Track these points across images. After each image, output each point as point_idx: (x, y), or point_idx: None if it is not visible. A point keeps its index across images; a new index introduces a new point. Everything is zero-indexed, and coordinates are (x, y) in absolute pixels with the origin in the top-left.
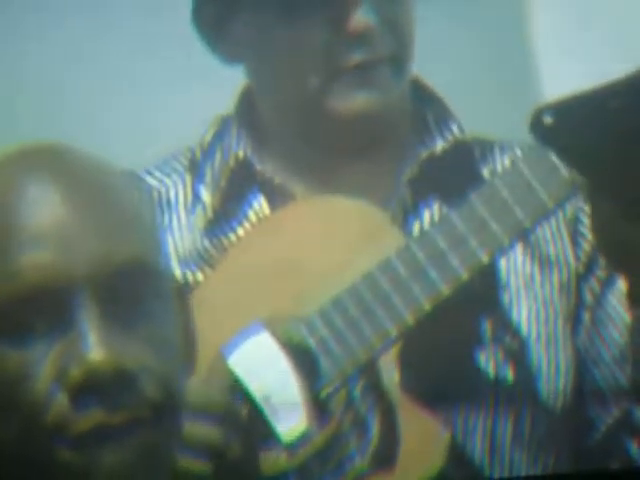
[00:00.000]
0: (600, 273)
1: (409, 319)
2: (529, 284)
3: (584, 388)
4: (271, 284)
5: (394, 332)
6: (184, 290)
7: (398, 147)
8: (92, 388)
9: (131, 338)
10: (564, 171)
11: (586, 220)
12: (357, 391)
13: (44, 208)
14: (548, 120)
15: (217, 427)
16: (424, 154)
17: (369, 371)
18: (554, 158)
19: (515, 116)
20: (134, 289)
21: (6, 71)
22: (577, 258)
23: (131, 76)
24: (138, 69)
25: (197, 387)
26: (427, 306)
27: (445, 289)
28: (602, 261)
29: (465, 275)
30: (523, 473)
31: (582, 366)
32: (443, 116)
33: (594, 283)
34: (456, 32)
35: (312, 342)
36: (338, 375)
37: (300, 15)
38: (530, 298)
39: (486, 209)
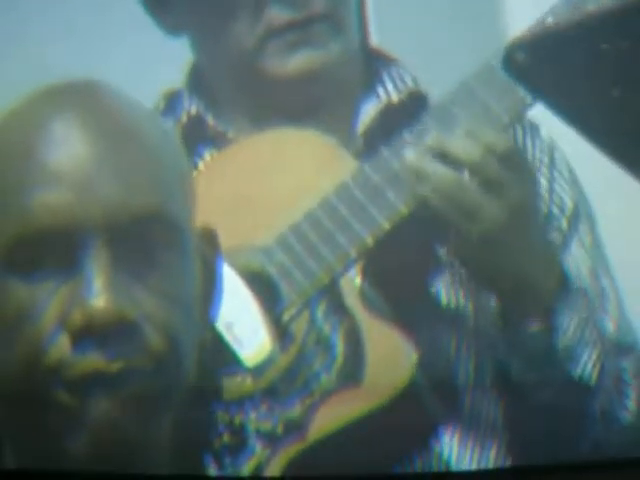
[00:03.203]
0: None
1: (368, 240)
2: None
3: None
4: (228, 218)
5: (354, 253)
6: (216, 249)
7: (351, 104)
8: (92, 334)
9: (138, 288)
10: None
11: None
12: (319, 313)
13: (66, 148)
14: (521, 56)
15: None
16: (379, 106)
17: (331, 293)
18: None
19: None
20: (148, 239)
21: None
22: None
23: None
24: None
25: None
26: (386, 225)
27: (403, 208)
28: None
29: None
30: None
31: None
32: (398, 72)
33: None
34: None
35: (271, 269)
36: (299, 297)
37: None
38: None
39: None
